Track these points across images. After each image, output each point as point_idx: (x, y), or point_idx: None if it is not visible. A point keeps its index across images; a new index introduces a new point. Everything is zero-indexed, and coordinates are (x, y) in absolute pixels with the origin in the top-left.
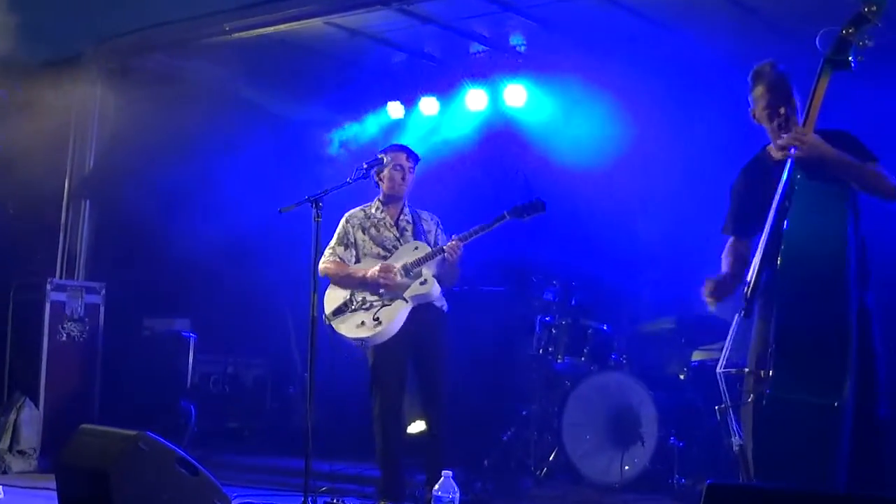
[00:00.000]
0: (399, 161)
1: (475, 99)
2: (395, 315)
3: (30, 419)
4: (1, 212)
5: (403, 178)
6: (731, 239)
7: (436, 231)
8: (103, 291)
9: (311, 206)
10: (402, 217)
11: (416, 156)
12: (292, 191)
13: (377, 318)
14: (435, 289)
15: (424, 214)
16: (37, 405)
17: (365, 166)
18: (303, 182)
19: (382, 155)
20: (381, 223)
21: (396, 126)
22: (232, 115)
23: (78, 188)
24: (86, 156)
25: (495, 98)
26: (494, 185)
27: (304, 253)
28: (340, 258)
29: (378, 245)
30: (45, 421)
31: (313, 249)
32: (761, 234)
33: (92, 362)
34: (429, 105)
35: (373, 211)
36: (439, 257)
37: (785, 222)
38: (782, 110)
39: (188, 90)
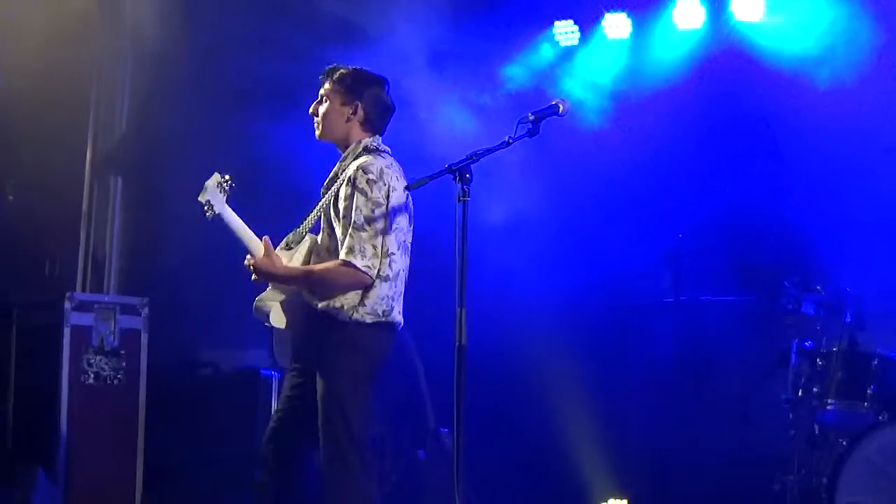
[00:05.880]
0: None
1: (687, 13)
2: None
3: (45, 498)
4: None
5: (318, 111)
6: None
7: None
8: (146, 310)
9: (454, 179)
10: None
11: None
12: (426, 158)
13: None
14: (272, 313)
15: (352, 168)
16: (54, 477)
17: (531, 118)
18: (441, 145)
19: (557, 101)
20: None
21: (568, 56)
22: (330, 46)
23: (104, 161)
24: (115, 114)
25: (718, 11)
26: (717, 138)
27: (446, 247)
28: None
29: None
30: (67, 501)
31: (458, 243)
32: None
33: (131, 415)
34: (617, 24)
35: None
36: None
37: None
38: None
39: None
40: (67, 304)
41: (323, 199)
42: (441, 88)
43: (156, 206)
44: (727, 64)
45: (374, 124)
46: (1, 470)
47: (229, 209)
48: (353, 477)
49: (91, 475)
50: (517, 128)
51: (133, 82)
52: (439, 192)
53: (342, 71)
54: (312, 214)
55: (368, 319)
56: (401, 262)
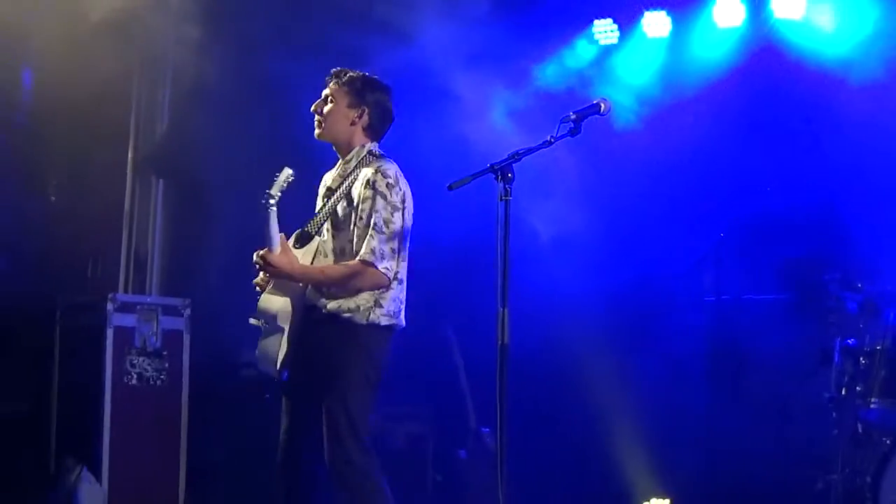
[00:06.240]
0: None
1: (728, 11)
2: None
3: (88, 497)
4: (38, 198)
5: (321, 109)
6: None
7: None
8: (188, 311)
9: (496, 178)
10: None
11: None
12: (464, 158)
13: None
14: (279, 314)
15: (367, 171)
16: (98, 477)
17: (573, 117)
18: (478, 144)
19: (599, 100)
20: None
21: (607, 55)
22: (370, 43)
23: (146, 161)
24: (156, 114)
25: (758, 9)
26: (758, 136)
27: (486, 246)
28: None
29: None
30: (111, 501)
31: (500, 242)
32: None
33: (174, 415)
34: (656, 23)
35: None
36: None
37: None
38: None
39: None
40: (110, 306)
41: (330, 201)
42: (480, 87)
43: (197, 206)
44: (767, 62)
45: (376, 130)
46: (45, 470)
47: None
48: (362, 473)
49: (134, 475)
50: (559, 127)
51: (174, 82)
52: (481, 191)
53: (352, 74)
54: (320, 215)
55: (383, 321)
56: (406, 266)
